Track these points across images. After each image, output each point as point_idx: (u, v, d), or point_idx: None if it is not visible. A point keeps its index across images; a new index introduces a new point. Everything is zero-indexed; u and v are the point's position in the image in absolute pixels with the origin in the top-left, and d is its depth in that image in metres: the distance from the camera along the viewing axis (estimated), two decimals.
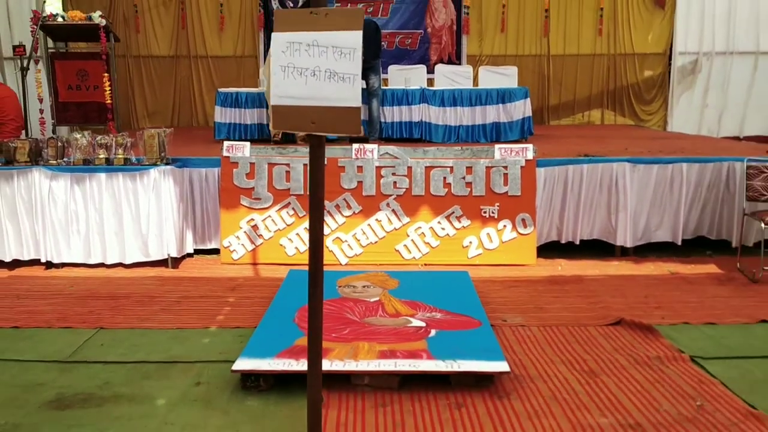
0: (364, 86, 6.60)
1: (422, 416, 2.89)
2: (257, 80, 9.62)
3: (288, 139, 6.48)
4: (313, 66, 2.10)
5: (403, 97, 7.05)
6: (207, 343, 3.73)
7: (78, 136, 5.09)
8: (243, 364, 3.16)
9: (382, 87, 6.95)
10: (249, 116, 7.22)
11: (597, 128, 9.73)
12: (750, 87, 10.27)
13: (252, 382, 3.14)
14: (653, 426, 2.79)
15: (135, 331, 3.92)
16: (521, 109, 7.12)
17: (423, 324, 3.68)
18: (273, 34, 2.13)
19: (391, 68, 8.31)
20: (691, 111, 10.39)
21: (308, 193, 4.86)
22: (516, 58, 9.78)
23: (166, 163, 5.15)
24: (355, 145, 5.37)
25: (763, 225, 4.82)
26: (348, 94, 2.06)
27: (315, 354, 2.30)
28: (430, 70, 8.66)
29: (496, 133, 7.05)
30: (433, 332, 3.56)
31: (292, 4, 9.70)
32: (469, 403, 3.00)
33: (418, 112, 7.05)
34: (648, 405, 2.97)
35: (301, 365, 3.08)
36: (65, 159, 5.12)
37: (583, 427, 2.78)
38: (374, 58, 6.71)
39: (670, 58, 10.24)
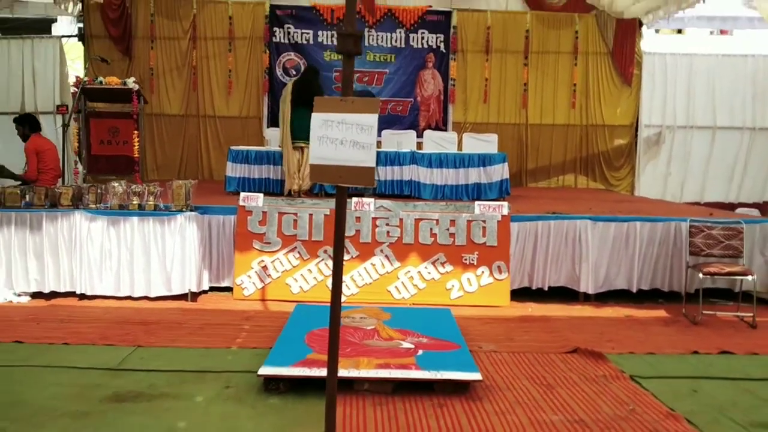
0: None
1: (411, 413, 3.63)
2: (261, 138, 10.54)
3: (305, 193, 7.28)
4: (341, 137, 2.96)
5: (396, 159, 7.95)
6: (230, 359, 4.46)
7: (115, 184, 5.91)
8: (266, 370, 3.91)
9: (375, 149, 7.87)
10: (257, 171, 8.07)
11: (569, 191, 10.69)
12: (709, 157, 11.36)
13: (273, 385, 3.89)
14: (594, 422, 3.55)
15: (168, 348, 4.65)
16: (500, 171, 8.05)
17: (412, 346, 4.45)
18: (313, 114, 3.00)
19: (384, 132, 9.27)
20: (656, 178, 11.44)
21: (313, 238, 5.77)
22: (497, 126, 10.78)
23: (191, 210, 5.96)
24: (355, 199, 6.22)
25: (701, 275, 5.69)
26: (366, 157, 2.91)
27: (333, 361, 3.03)
28: (419, 135, 9.64)
29: (477, 192, 7.94)
30: (420, 352, 4.32)
31: (294, 72, 10.74)
32: (448, 404, 3.75)
33: (409, 172, 7.94)
34: (591, 408, 3.74)
35: (313, 373, 3.83)
36: (103, 204, 5.92)
37: (539, 423, 3.54)
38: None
39: (636, 130, 11.31)
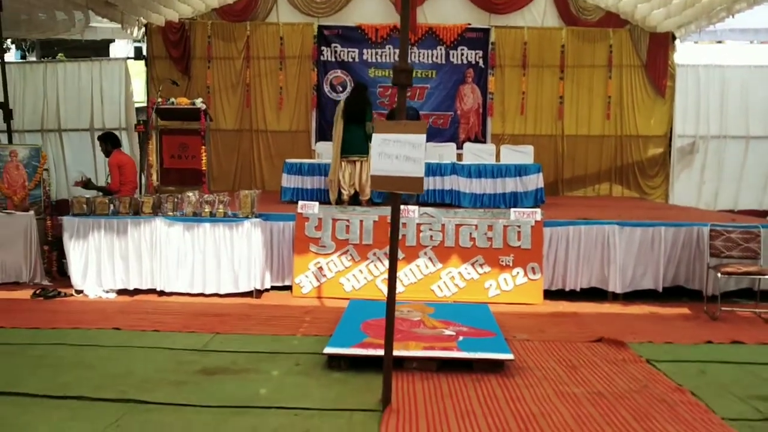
0: None
1: (452, 386, 4.35)
2: (310, 151, 11.38)
3: (355, 202, 8.06)
4: (396, 153, 3.72)
5: (437, 170, 8.68)
6: (296, 344, 5.24)
7: (190, 194, 6.79)
8: (330, 350, 4.67)
9: None
10: (309, 182, 8.89)
11: (604, 199, 11.25)
12: (742, 167, 11.79)
13: (335, 363, 4.65)
14: (610, 394, 4.22)
15: (242, 335, 5.46)
16: (535, 181, 8.73)
17: (453, 333, 5.17)
18: (374, 134, 3.77)
19: (427, 145, 9.98)
20: (691, 186, 11.91)
21: (363, 242, 6.53)
22: (534, 137, 11.42)
23: (256, 217, 6.79)
24: (403, 207, 6.97)
25: (719, 275, 6.27)
26: (417, 169, 3.67)
27: (389, 341, 3.78)
28: (459, 147, 10.35)
29: (513, 201, 8.61)
30: (461, 338, 5.04)
31: (341, 89, 11.60)
32: (485, 379, 4.46)
33: (450, 182, 8.67)
34: (609, 383, 4.40)
35: (370, 352, 4.58)
36: (179, 211, 6.80)
37: (562, 394, 4.22)
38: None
39: (670, 140, 11.81)
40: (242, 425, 3.66)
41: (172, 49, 11.75)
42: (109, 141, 7.95)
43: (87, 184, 7.79)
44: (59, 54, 18.79)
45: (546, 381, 4.44)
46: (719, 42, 12.74)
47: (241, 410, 3.87)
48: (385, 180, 3.77)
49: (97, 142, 11.54)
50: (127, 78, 12.06)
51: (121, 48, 18.32)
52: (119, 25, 11.01)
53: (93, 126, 11.97)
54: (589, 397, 4.16)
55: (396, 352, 4.41)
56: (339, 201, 8.18)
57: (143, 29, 11.71)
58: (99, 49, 17.86)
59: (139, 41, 12.75)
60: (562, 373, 4.61)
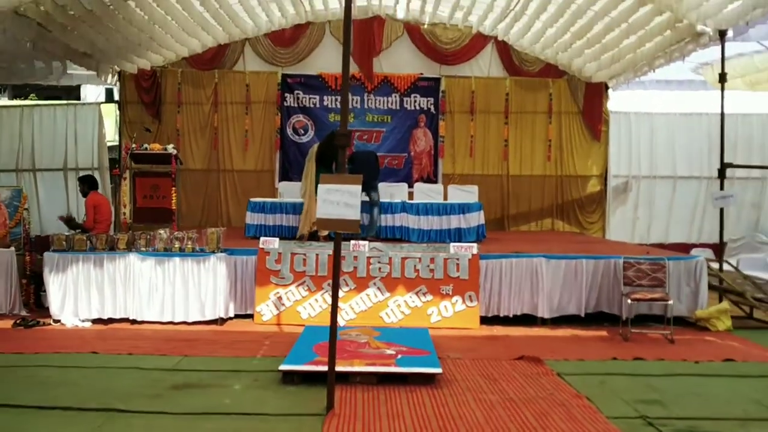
0: (367, 199, 9.08)
1: (389, 395, 5.09)
2: (274, 190, 12.13)
3: (312, 237, 8.81)
4: (337, 199, 4.52)
5: (388, 208, 9.50)
6: (256, 363, 5.95)
7: (161, 231, 7.49)
8: (285, 366, 5.40)
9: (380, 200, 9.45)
10: (271, 219, 9.61)
11: (545, 234, 12.21)
12: (671, 204, 12.90)
13: (289, 378, 5.37)
14: (521, 400, 5.01)
15: (208, 357, 6.15)
16: (476, 218, 9.60)
17: (393, 352, 5.93)
18: (319, 186, 4.57)
19: (380, 185, 10.84)
20: (625, 222, 12.97)
21: (319, 273, 7.30)
22: (482, 177, 12.39)
23: (221, 252, 7.52)
24: (353, 242, 7.76)
25: (629, 301, 7.18)
26: (353, 213, 4.47)
27: (332, 361, 4.54)
28: (411, 186, 11.23)
29: (458, 236, 9.44)
30: (399, 356, 5.81)
31: (304, 132, 12.45)
32: (418, 390, 5.21)
33: (399, 219, 9.48)
34: (521, 392, 5.20)
35: (318, 368, 5.31)
36: (151, 247, 7.49)
37: (481, 401, 4.99)
38: (374, 180, 9.26)
39: (606, 180, 12.89)
40: (210, 427, 4.36)
41: (144, 94, 12.49)
42: (87, 183, 8.62)
43: (70, 220, 8.42)
44: (31, 95, 19.38)
45: (468, 391, 5.23)
46: (651, 89, 13.93)
47: (208, 416, 4.57)
48: (329, 222, 4.58)
49: (70, 181, 12.29)
50: (100, 121, 12.74)
51: (92, 90, 18.92)
52: (94, 72, 11.77)
53: (66, 166, 12.61)
54: (501, 402, 4.95)
55: (341, 368, 5.17)
56: (313, 236, 8.88)
57: (116, 76, 12.44)
58: (70, 90, 18.52)
59: (111, 85, 13.49)
60: (483, 384, 5.40)
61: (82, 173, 12.10)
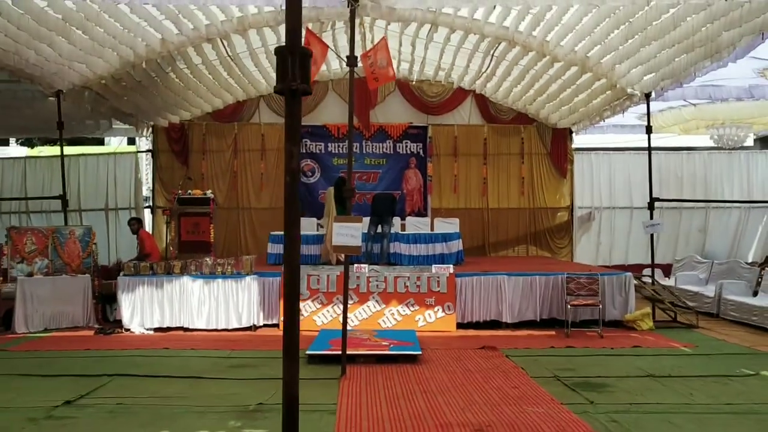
0: (380, 231, 11.53)
1: (384, 369, 7.46)
2: None
3: (325, 263, 11.22)
4: (346, 232, 6.97)
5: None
6: None
7: (208, 259, 9.92)
8: (310, 351, 7.78)
9: (391, 232, 11.85)
10: None
11: (519, 258, 14.64)
12: (629, 231, 15.36)
13: (313, 359, 7.75)
14: (476, 370, 7.38)
15: (250, 350, 8.53)
16: (456, 245, 12.03)
17: (388, 344, 8.33)
18: (334, 223, 7.02)
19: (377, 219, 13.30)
20: (590, 246, 15.43)
21: (329, 290, 9.78)
22: (464, 210, 14.86)
23: (254, 274, 9.94)
24: (356, 265, 10.18)
25: (569, 306, 9.58)
26: (357, 242, 6.91)
27: (344, 341, 6.95)
28: (404, 219, 13.67)
29: (441, 260, 11.83)
30: (392, 345, 8.20)
31: (311, 174, 14.95)
32: (405, 367, 7.58)
33: (393, 247, 11.90)
34: (477, 366, 7.58)
35: (333, 352, 7.69)
36: (199, 271, 9.91)
37: (446, 371, 7.36)
38: (388, 216, 11.67)
39: (572, 211, 15.36)
40: (261, 387, 6.72)
41: (174, 144, 15.02)
42: (137, 222, 11.12)
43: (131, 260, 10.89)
44: (36, 146, 21.75)
45: (440, 366, 7.62)
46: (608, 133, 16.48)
47: (259, 381, 6.93)
48: (340, 248, 7.02)
49: (110, 219, 14.75)
50: (136, 167, 15.25)
51: (116, 141, 21.40)
52: (133, 127, 14.33)
53: (107, 206, 15.07)
54: (461, 371, 7.34)
55: (350, 351, 7.57)
56: (325, 262, 11.29)
57: (150, 129, 14.98)
58: (98, 141, 21.15)
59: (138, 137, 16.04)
60: (451, 362, 7.80)
61: (120, 213, 14.70)
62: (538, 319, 10.29)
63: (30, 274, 10.19)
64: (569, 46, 10.77)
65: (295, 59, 2.60)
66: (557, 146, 15.31)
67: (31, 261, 10.31)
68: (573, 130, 15.18)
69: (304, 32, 9.31)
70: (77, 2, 8.84)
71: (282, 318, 9.52)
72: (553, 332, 9.93)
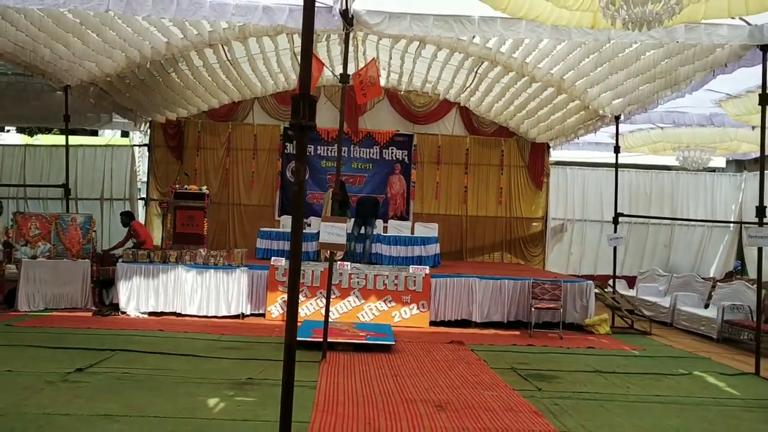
0: (364, 232, 12.46)
1: (360, 357, 8.39)
2: (273, 221, 15.44)
3: (316, 258, 12.13)
4: (332, 231, 7.89)
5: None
6: (271, 339, 9.22)
7: (201, 250, 10.80)
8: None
9: (374, 233, 12.78)
10: (275, 245, 12.94)
11: (494, 264, 15.64)
12: (599, 243, 16.41)
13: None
14: (442, 360, 8.32)
15: (239, 335, 9.42)
16: (434, 248, 12.99)
17: (364, 334, 9.26)
18: (321, 223, 7.94)
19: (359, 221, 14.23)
20: (562, 256, 16.47)
21: (313, 284, 10.73)
22: (444, 216, 15.81)
23: (244, 266, 10.83)
24: (338, 262, 11.09)
25: (533, 309, 10.56)
26: (342, 239, 7.84)
27: (326, 328, 7.88)
28: (386, 222, 14.60)
29: (419, 262, 12.78)
30: (368, 336, 9.13)
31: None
32: (379, 355, 8.51)
33: (375, 248, 12.83)
34: (444, 357, 8.53)
35: (315, 339, 8.60)
36: (193, 262, 10.78)
37: (416, 360, 8.31)
38: (371, 217, 12.60)
39: (546, 221, 16.39)
40: (252, 366, 7.61)
41: (170, 140, 15.85)
42: (128, 215, 12.07)
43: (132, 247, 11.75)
44: (53, 131, 22.60)
45: (411, 355, 8.56)
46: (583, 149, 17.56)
47: (249, 361, 7.82)
48: (327, 245, 7.94)
49: (105, 209, 15.57)
50: (132, 160, 16.08)
51: (109, 133, 22.09)
52: (130, 121, 15.16)
53: (103, 196, 15.89)
54: (429, 361, 8.29)
55: (330, 339, 8.50)
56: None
57: (148, 124, 15.81)
58: (92, 133, 21.88)
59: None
60: (421, 353, 8.75)
61: (115, 203, 15.53)
62: (505, 321, 11.26)
63: (33, 257, 11.00)
64: (546, 68, 11.75)
65: (305, 102, 3.52)
66: (535, 159, 16.32)
67: (35, 244, 11.12)
68: (550, 144, 16.20)
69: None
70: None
71: (268, 309, 10.46)
72: (518, 332, 10.90)
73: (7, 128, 21.37)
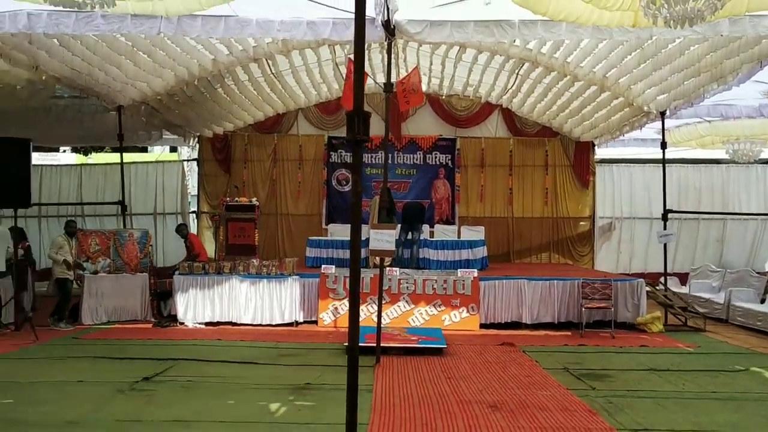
0: (411, 237, 12.64)
1: (414, 360, 8.56)
2: (320, 230, 15.72)
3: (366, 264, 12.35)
4: (381, 238, 8.09)
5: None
6: (326, 345, 9.45)
7: (254, 261, 11.13)
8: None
9: (421, 238, 12.95)
10: (325, 253, 13.22)
11: (542, 264, 15.63)
12: (648, 240, 16.24)
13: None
14: (494, 362, 8.44)
15: (295, 342, 9.68)
16: (481, 252, 13.10)
17: (416, 338, 9.43)
18: (371, 230, 8.15)
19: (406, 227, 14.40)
20: (611, 255, 16.36)
21: (363, 291, 10.98)
22: (490, 219, 15.88)
23: (295, 275, 11.12)
24: (388, 268, 11.29)
25: (584, 309, 10.58)
26: (391, 246, 8.03)
27: (378, 333, 8.07)
28: (432, 226, 14.73)
29: (466, 265, 12.88)
30: (420, 340, 9.30)
31: (345, 183, 16.12)
32: (431, 358, 8.68)
33: (423, 253, 12.99)
34: (496, 358, 8.64)
35: (370, 344, 8.80)
36: (246, 272, 11.12)
37: (470, 362, 8.44)
38: (417, 223, 12.78)
39: (593, 220, 16.31)
40: (309, 375, 7.84)
41: (218, 153, 16.32)
42: (185, 228, 12.42)
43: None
44: (105, 149, 23.40)
45: (463, 358, 8.70)
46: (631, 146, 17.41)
47: (308, 367, 8.07)
48: (376, 251, 8.15)
49: (158, 223, 16.09)
50: (183, 175, 16.59)
51: (158, 149, 22.77)
52: (181, 137, 15.66)
53: (156, 211, 16.42)
54: (482, 363, 8.41)
55: (383, 344, 8.69)
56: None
57: (196, 139, 16.29)
58: (142, 150, 22.58)
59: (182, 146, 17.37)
60: (473, 355, 8.87)
61: (168, 217, 16.04)
62: (556, 322, 11.29)
63: (95, 272, 11.48)
64: (588, 67, 11.77)
65: (360, 119, 3.72)
66: (580, 158, 16.28)
67: (95, 260, 11.62)
68: (595, 143, 16.13)
69: (346, 62, 10.53)
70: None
71: (320, 316, 10.72)
72: (569, 333, 10.91)
73: (62, 149, 22.27)
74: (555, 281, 11.37)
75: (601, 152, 16.66)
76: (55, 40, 9.44)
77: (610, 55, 10.92)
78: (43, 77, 10.11)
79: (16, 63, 9.46)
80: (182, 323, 11.05)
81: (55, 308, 10.89)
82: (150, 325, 11.00)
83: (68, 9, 6.39)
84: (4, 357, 8.61)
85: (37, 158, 10.52)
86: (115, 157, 15.55)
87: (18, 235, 10.67)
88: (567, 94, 13.44)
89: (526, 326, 11.24)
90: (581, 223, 16.36)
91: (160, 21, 7.87)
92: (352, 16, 3.89)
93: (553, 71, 12.46)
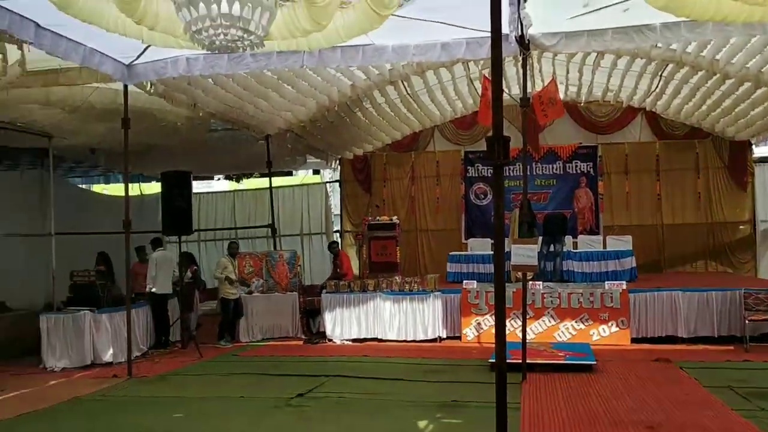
0: (553, 249, 12.45)
1: (562, 380, 8.40)
2: (460, 245, 15.79)
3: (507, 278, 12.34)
4: (523, 253, 8.04)
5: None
6: (470, 363, 9.49)
7: (396, 278, 11.40)
8: (493, 360, 8.91)
9: (564, 250, 12.71)
10: (465, 268, 13.29)
11: (697, 274, 14.73)
12: None
13: (494, 367, 8.86)
14: (649, 380, 8.09)
15: (440, 359, 9.80)
16: (629, 262, 12.60)
17: (563, 354, 9.24)
18: (511, 245, 8.13)
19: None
20: None
21: (506, 306, 10.71)
22: (638, 227, 15.21)
23: (437, 291, 11.27)
24: (531, 282, 11.15)
25: (747, 321, 9.90)
26: (533, 261, 7.96)
27: (524, 349, 8.01)
28: (575, 237, 14.36)
29: (614, 277, 12.44)
30: (567, 356, 9.11)
31: (484, 197, 16.11)
32: (581, 375, 8.48)
33: (566, 265, 12.71)
34: (650, 376, 8.28)
35: (516, 360, 8.74)
36: (389, 289, 11.41)
37: (622, 379, 8.16)
38: (560, 234, 12.58)
39: (754, 224, 15.17)
40: (455, 388, 7.92)
41: (358, 174, 16.89)
42: (337, 245, 12.90)
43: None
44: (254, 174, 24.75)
45: (614, 375, 8.42)
46: None
47: (455, 383, 8.15)
48: (519, 267, 8.11)
49: (305, 242, 16.84)
50: (326, 196, 17.32)
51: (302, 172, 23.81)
52: (323, 160, 16.37)
53: (302, 232, 17.24)
54: (635, 380, 8.10)
55: (529, 360, 8.61)
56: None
57: (337, 161, 16.96)
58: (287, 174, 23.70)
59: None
60: (625, 372, 8.56)
61: (313, 237, 16.77)
62: (715, 335, 10.62)
63: (249, 292, 12.25)
64: (740, 63, 11.03)
65: (500, 143, 3.79)
66: (735, 159, 15.25)
67: (250, 281, 12.39)
68: (752, 142, 15.04)
69: (481, 78, 10.61)
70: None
71: (463, 331, 10.78)
72: (731, 347, 10.22)
73: (217, 177, 23.93)
74: (713, 292, 10.72)
75: (759, 151, 15.49)
76: (210, 80, 10.24)
77: (765, 49, 10.20)
78: (200, 113, 11.02)
79: (178, 103, 10.37)
80: (330, 340, 11.51)
81: (219, 327, 11.74)
82: (301, 342, 11.57)
83: (222, 52, 6.92)
84: (174, 374, 9.40)
85: (194, 186, 11.45)
86: (264, 182, 16.47)
87: (188, 259, 11.66)
88: (717, 92, 12.66)
89: (682, 340, 10.66)
90: (740, 227, 15.28)
91: (302, 55, 8.31)
92: (486, 34, 3.97)
93: (700, 70, 11.80)
